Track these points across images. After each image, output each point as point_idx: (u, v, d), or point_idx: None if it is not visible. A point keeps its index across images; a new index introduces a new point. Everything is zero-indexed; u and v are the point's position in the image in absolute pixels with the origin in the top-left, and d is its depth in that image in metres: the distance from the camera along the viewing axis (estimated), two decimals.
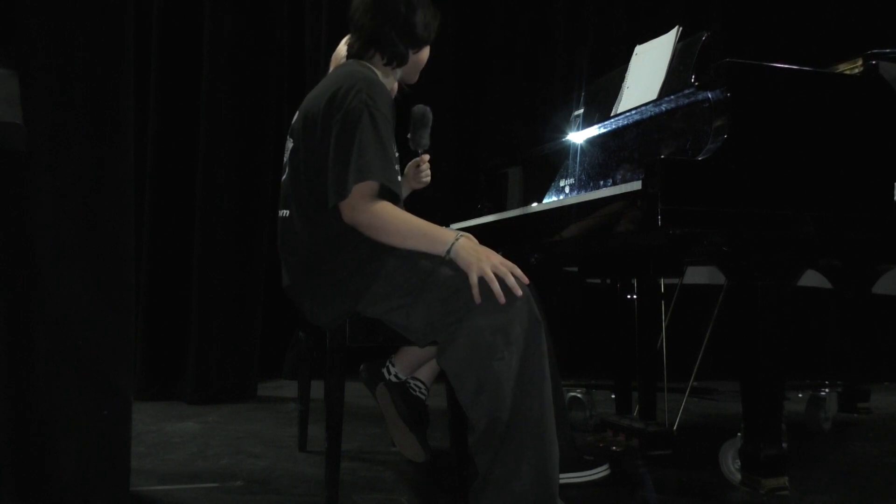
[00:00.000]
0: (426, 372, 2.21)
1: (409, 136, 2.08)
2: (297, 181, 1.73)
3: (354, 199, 1.58)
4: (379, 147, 1.60)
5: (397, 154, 1.76)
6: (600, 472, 2.03)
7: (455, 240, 1.56)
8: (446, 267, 1.56)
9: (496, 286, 1.48)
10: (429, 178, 2.15)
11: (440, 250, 1.57)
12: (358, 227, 1.61)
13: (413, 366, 2.20)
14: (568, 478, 1.94)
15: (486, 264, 1.51)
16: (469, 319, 1.49)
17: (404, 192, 2.17)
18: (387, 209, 1.59)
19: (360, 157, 1.58)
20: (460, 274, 1.53)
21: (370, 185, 1.58)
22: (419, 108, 2.06)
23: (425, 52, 1.87)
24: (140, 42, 3.12)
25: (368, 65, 1.80)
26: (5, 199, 1.54)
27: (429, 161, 2.13)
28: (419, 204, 2.18)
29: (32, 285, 1.55)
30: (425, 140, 2.08)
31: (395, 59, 1.80)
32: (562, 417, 1.86)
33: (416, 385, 2.19)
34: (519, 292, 1.50)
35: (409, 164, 2.15)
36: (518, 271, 1.53)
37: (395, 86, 2.09)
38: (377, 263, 1.64)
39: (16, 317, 1.54)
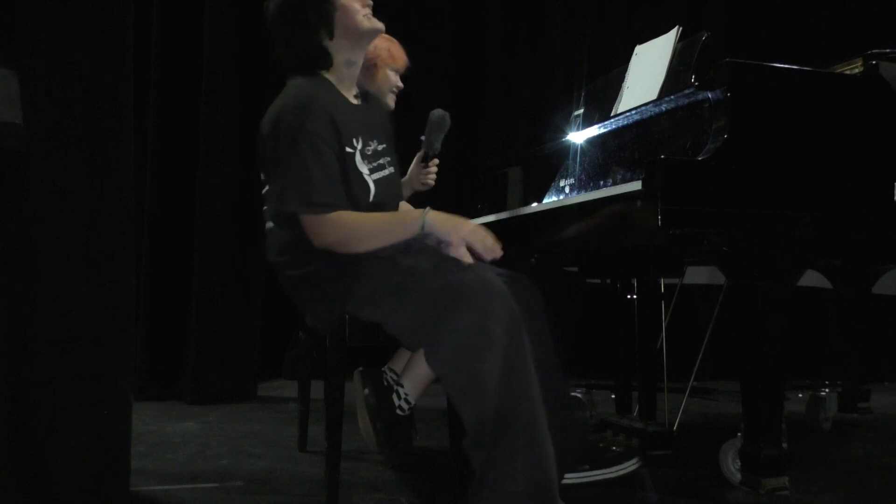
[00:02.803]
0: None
1: (422, 137, 2.07)
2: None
3: (307, 226, 1.62)
4: (304, 173, 1.60)
5: (375, 148, 1.76)
6: (630, 466, 1.98)
7: (424, 216, 1.60)
8: (427, 263, 1.57)
9: (479, 248, 1.57)
10: (433, 183, 2.15)
11: (414, 230, 1.61)
12: (331, 248, 1.63)
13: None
14: (591, 476, 1.91)
15: (464, 232, 1.58)
16: (450, 321, 1.49)
17: (406, 193, 2.16)
18: (342, 219, 1.61)
19: (283, 188, 1.63)
20: (440, 270, 1.54)
21: (304, 211, 1.62)
22: (438, 112, 2.03)
23: (342, 8, 1.71)
24: (140, 42, 3.10)
25: (308, 76, 1.74)
26: (6, 199, 1.54)
27: (437, 166, 2.12)
28: (419, 203, 2.18)
29: (32, 285, 1.55)
30: (438, 144, 2.07)
31: (321, 60, 1.74)
32: (569, 417, 1.83)
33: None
34: (499, 253, 1.56)
35: (414, 162, 2.14)
36: (490, 241, 1.59)
37: (392, 101, 2.08)
38: (356, 266, 1.64)
39: (16, 317, 1.54)
